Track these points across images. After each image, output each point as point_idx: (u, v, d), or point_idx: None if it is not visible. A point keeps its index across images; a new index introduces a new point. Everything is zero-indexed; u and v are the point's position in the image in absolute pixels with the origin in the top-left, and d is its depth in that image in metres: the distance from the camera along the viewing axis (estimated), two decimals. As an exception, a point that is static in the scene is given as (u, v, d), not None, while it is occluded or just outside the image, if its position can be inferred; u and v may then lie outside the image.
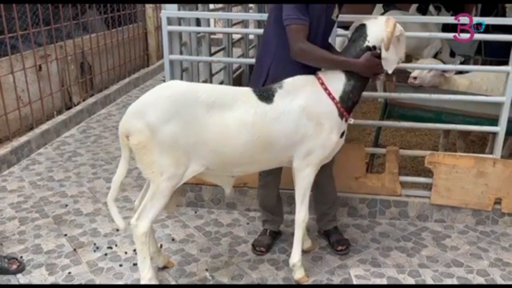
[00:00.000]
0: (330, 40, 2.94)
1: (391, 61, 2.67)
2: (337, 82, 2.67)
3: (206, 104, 2.47)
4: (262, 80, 2.84)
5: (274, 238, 3.28)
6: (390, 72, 2.69)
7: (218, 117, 2.48)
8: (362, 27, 2.69)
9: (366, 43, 2.65)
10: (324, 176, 3.03)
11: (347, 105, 2.69)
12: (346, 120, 2.74)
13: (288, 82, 2.65)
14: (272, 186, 3.17)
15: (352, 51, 2.69)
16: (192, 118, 2.44)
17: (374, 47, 2.64)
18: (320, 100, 2.63)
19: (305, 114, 2.59)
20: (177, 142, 2.44)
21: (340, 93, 2.66)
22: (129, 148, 2.53)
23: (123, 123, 2.50)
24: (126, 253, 3.18)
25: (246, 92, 2.62)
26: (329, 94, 2.64)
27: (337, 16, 2.87)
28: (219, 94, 2.54)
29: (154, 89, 2.56)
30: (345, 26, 3.27)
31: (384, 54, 2.62)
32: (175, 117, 2.42)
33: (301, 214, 2.80)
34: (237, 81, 5.75)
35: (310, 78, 2.68)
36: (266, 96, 2.59)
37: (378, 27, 2.63)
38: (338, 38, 5.23)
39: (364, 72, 2.67)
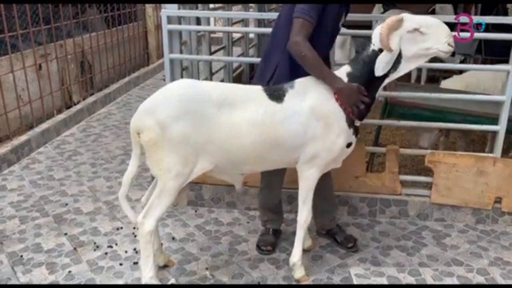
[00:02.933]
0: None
1: (406, 66, 2.62)
2: None
3: (216, 102, 2.48)
4: (268, 76, 2.84)
5: (277, 237, 3.29)
6: (377, 73, 2.59)
7: (228, 115, 2.49)
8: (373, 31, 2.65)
9: (372, 47, 2.60)
10: (323, 174, 3.03)
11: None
12: (355, 134, 2.72)
13: (300, 82, 2.64)
14: (276, 186, 3.17)
15: (361, 55, 2.64)
16: (202, 116, 2.45)
17: (381, 50, 2.57)
18: (330, 101, 2.60)
19: (314, 115, 2.58)
20: (187, 140, 2.45)
21: None
22: (140, 145, 2.54)
23: (135, 120, 2.52)
24: (126, 252, 3.18)
25: (256, 91, 2.62)
26: (337, 99, 2.61)
27: (342, 24, 2.87)
28: (230, 93, 2.55)
29: (166, 87, 2.59)
30: (346, 25, 3.26)
31: (387, 56, 2.54)
32: (186, 115, 2.43)
33: (303, 214, 2.80)
34: (237, 80, 5.76)
35: None
36: (276, 95, 2.59)
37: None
38: (338, 37, 5.26)
39: (339, 96, 2.58)
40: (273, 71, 2.83)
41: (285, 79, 2.71)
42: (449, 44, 2.55)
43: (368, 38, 2.65)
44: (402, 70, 2.65)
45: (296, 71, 2.70)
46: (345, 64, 2.73)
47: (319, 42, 2.62)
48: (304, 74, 2.66)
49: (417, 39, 2.53)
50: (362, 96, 2.58)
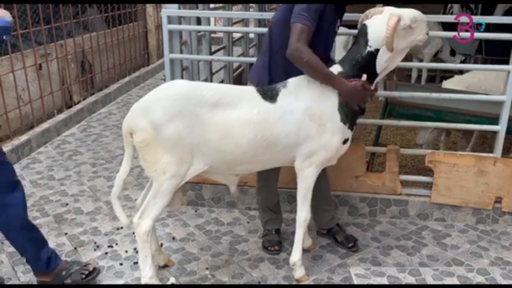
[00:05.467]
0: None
1: (395, 59, 2.66)
2: None
3: (210, 103, 2.48)
4: (266, 78, 2.85)
5: (280, 236, 3.29)
6: (379, 70, 2.64)
7: (221, 116, 2.49)
8: (363, 28, 2.63)
9: (368, 49, 2.60)
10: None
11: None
12: (351, 128, 2.72)
13: (292, 82, 2.64)
14: (274, 183, 3.18)
15: (353, 54, 2.64)
16: (195, 117, 2.45)
17: (377, 50, 2.58)
18: (323, 101, 2.61)
19: (307, 115, 2.58)
20: (181, 141, 2.45)
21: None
22: (132, 146, 2.54)
23: (127, 120, 2.51)
24: (126, 252, 3.18)
25: (250, 91, 2.63)
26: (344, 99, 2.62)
27: (338, 27, 2.87)
28: (223, 93, 2.55)
29: (159, 87, 2.57)
30: (347, 25, 3.26)
31: (386, 55, 2.56)
32: (179, 116, 2.42)
33: (303, 213, 2.80)
34: (238, 80, 5.75)
35: None
36: (270, 95, 2.59)
37: (379, 27, 2.55)
38: (340, 38, 5.26)
39: (347, 97, 2.60)
40: (269, 72, 2.84)
41: (280, 79, 2.74)
42: (426, 33, 2.66)
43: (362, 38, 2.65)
44: (391, 66, 2.69)
45: (290, 72, 2.70)
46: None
47: (315, 47, 2.60)
48: (300, 74, 2.67)
49: (407, 34, 2.59)
50: (368, 92, 2.61)
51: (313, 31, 2.56)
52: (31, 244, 2.72)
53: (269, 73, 2.85)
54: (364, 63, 2.62)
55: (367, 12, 2.69)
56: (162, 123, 2.41)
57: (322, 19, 2.61)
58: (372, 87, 2.67)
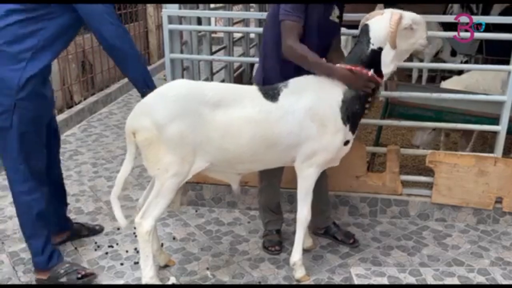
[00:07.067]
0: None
1: (397, 58, 2.66)
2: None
3: (212, 102, 2.49)
4: (262, 77, 2.88)
5: (280, 236, 3.28)
6: (386, 71, 2.65)
7: (223, 115, 2.50)
8: (365, 28, 2.64)
9: (371, 47, 2.61)
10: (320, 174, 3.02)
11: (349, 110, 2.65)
12: (353, 131, 2.71)
13: (294, 82, 2.65)
14: (278, 183, 3.18)
15: (357, 54, 2.64)
16: (198, 116, 2.46)
17: (381, 48, 2.59)
18: (325, 101, 2.61)
19: (309, 115, 2.58)
20: (183, 140, 2.45)
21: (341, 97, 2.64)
22: (135, 145, 2.54)
23: (130, 120, 2.52)
24: (127, 251, 3.18)
25: (252, 91, 2.64)
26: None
27: (338, 17, 2.84)
28: (225, 92, 2.56)
29: (162, 87, 2.59)
30: (347, 25, 3.26)
31: (391, 53, 2.58)
32: (181, 115, 2.44)
33: (303, 213, 2.80)
34: (238, 80, 5.75)
35: (316, 78, 2.66)
36: (271, 94, 2.60)
37: (381, 25, 2.58)
38: (341, 38, 5.26)
39: (346, 82, 2.61)
40: (263, 72, 2.88)
41: (274, 78, 2.76)
42: (426, 38, 2.69)
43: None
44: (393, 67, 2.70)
45: (283, 70, 2.74)
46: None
47: (307, 41, 2.64)
48: (292, 72, 2.69)
49: (407, 35, 2.61)
50: (368, 82, 2.61)
51: (303, 24, 2.61)
52: (41, 233, 2.76)
53: (264, 73, 2.88)
54: (369, 62, 2.62)
55: (368, 15, 2.71)
56: (165, 122, 2.42)
57: (308, 12, 2.64)
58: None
